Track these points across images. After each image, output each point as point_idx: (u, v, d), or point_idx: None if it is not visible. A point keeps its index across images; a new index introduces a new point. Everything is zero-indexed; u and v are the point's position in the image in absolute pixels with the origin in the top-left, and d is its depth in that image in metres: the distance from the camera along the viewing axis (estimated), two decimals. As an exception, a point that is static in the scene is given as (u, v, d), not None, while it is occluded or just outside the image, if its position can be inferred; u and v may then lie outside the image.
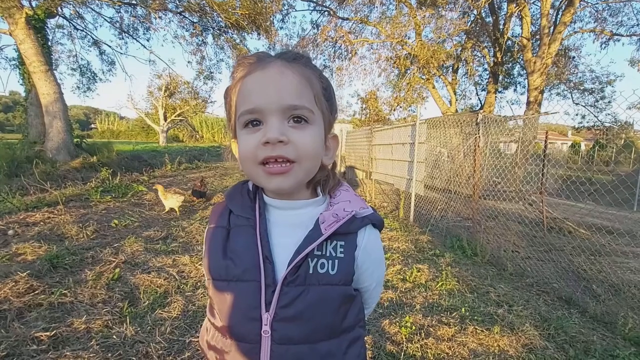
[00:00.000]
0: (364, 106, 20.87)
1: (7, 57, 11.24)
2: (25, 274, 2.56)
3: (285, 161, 0.56)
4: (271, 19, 13.60)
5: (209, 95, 25.67)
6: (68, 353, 1.82)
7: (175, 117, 28.29)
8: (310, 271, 0.59)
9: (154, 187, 5.54)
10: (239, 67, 0.60)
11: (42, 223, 4.10)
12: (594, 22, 13.69)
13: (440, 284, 3.06)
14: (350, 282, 0.63)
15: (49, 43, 9.75)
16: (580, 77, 14.98)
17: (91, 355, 1.82)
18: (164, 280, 2.79)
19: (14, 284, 2.43)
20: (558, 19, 11.60)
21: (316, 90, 0.59)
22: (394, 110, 17.04)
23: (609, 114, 14.83)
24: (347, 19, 15.11)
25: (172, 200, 5.13)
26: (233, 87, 0.60)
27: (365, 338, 0.68)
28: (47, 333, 1.97)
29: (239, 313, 0.61)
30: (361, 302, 0.70)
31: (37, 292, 2.41)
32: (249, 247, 0.61)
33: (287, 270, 0.58)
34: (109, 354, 1.86)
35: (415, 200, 5.76)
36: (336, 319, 0.63)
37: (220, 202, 0.72)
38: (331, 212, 0.62)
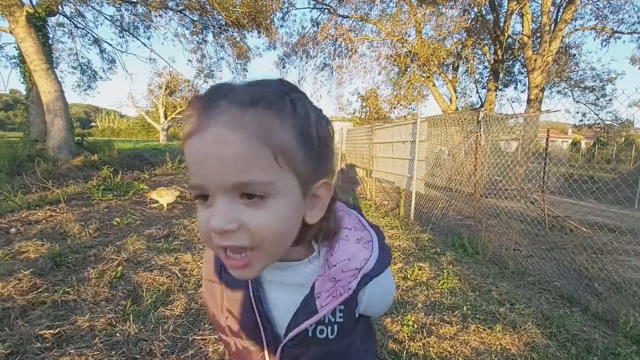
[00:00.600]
0: (364, 104, 20.89)
1: (7, 55, 11.26)
2: (28, 272, 2.57)
3: (241, 249, 0.45)
4: (271, 17, 13.60)
5: (210, 94, 25.60)
6: (72, 351, 1.83)
7: (176, 115, 28.29)
8: (310, 335, 0.58)
9: (149, 199, 5.57)
10: (185, 117, 0.47)
11: (44, 221, 4.11)
12: (595, 20, 13.70)
13: (441, 282, 3.06)
14: (353, 332, 0.62)
15: (50, 41, 9.75)
16: (581, 75, 14.99)
17: (95, 353, 1.83)
18: (167, 278, 2.79)
19: (17, 282, 2.44)
20: (559, 17, 11.58)
21: (281, 146, 0.44)
22: (394, 108, 17.05)
23: (609, 112, 14.83)
24: (347, 16, 15.10)
25: (168, 197, 5.26)
26: (183, 145, 0.48)
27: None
28: (51, 331, 1.97)
29: None
30: (366, 325, 0.68)
31: (40, 290, 2.42)
32: (245, 310, 0.59)
33: (285, 340, 0.58)
34: (113, 352, 1.87)
35: (415, 198, 5.76)
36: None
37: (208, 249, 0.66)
38: (328, 277, 0.56)
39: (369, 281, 0.57)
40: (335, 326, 0.58)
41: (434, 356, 2.03)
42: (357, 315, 0.61)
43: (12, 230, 3.69)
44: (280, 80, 0.48)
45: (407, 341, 2.15)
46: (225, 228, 0.43)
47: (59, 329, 2.00)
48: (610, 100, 14.56)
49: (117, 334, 2.03)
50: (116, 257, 3.10)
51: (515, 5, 11.39)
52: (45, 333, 1.95)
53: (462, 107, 17.54)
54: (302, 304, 0.57)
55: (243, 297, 0.59)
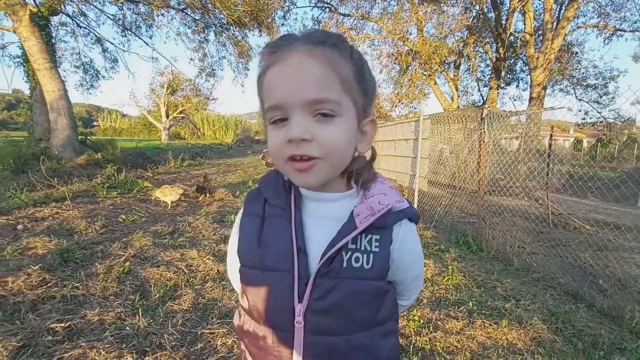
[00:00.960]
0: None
1: (10, 55, 11.28)
2: (37, 267, 2.59)
3: (309, 158, 0.54)
4: (273, 15, 13.58)
5: (211, 93, 25.70)
6: (83, 344, 1.85)
7: (177, 114, 28.32)
8: (344, 264, 0.59)
9: (153, 198, 5.59)
10: (263, 56, 0.58)
11: (50, 218, 4.14)
12: (597, 18, 13.63)
13: (446, 278, 3.08)
14: (384, 277, 0.63)
15: (53, 40, 9.77)
16: (583, 73, 14.93)
17: (106, 345, 1.85)
18: (174, 273, 2.81)
19: (26, 277, 2.46)
20: (561, 14, 11.54)
21: (344, 76, 0.54)
22: (396, 106, 17.02)
23: (612, 110, 14.78)
24: (348, 15, 15.07)
25: (172, 195, 5.31)
26: (258, 80, 0.58)
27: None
28: (62, 324, 1.99)
29: (272, 302, 0.61)
30: (394, 296, 0.69)
31: (49, 285, 2.45)
32: (283, 238, 0.60)
33: (320, 262, 0.58)
34: (124, 345, 1.89)
35: (418, 196, 5.77)
36: (370, 312, 0.63)
37: (253, 189, 0.70)
38: (366, 205, 0.61)
39: (402, 217, 0.62)
40: (371, 255, 0.60)
41: (440, 351, 2.05)
42: (390, 255, 0.62)
43: (20, 226, 3.72)
44: (338, 33, 0.60)
45: (413, 336, 2.17)
46: (303, 136, 0.52)
47: (69, 323, 2.02)
48: (612, 98, 14.52)
49: (127, 328, 2.05)
50: (123, 253, 3.12)
51: (517, 3, 11.35)
52: (56, 326, 1.98)
53: (463, 106, 17.51)
54: (342, 228, 0.59)
55: (283, 227, 0.61)
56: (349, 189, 0.65)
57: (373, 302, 0.62)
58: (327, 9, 15.30)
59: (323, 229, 0.61)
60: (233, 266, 0.71)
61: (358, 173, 0.64)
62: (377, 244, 0.60)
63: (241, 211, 0.69)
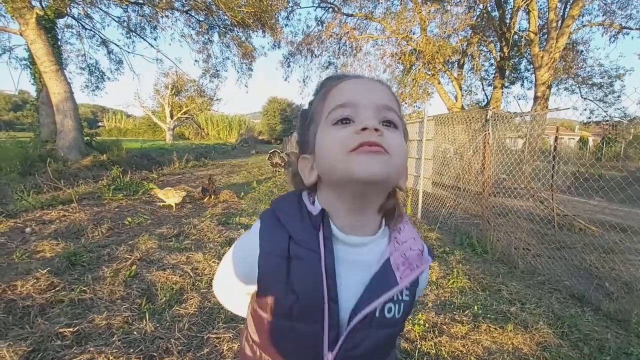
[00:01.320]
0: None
1: (17, 57, 11.40)
2: (45, 271, 2.62)
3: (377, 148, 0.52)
4: (276, 16, 13.61)
5: (215, 93, 25.80)
6: (91, 348, 1.87)
7: (182, 114, 28.44)
8: (377, 315, 0.57)
9: (151, 192, 5.72)
10: (328, 81, 0.62)
11: (58, 221, 4.18)
12: (603, 16, 13.51)
13: (451, 281, 3.08)
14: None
15: (59, 43, 9.86)
16: (588, 72, 14.81)
17: (114, 350, 1.87)
18: (179, 277, 2.83)
19: (35, 280, 2.49)
20: (566, 13, 11.47)
21: (399, 110, 0.60)
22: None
23: (618, 109, 14.65)
24: (351, 15, 15.05)
25: (174, 197, 5.37)
26: (321, 96, 0.60)
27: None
28: (70, 329, 2.02)
29: (298, 351, 0.59)
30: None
31: (57, 288, 2.47)
32: (314, 286, 0.55)
33: (357, 319, 0.56)
34: (131, 350, 1.91)
35: (422, 197, 5.76)
36: (388, 352, 0.65)
37: (267, 215, 0.63)
38: (400, 252, 0.60)
39: (429, 262, 0.63)
40: (402, 304, 0.60)
41: (446, 355, 2.05)
42: (415, 297, 0.63)
43: (28, 229, 3.76)
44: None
45: (418, 340, 2.17)
46: (378, 126, 0.53)
47: (77, 327, 2.05)
48: (618, 96, 14.40)
49: (134, 332, 2.07)
50: (129, 257, 3.15)
51: (521, 1, 11.28)
52: (65, 331, 2.00)
53: (467, 105, 17.43)
54: (376, 278, 0.57)
55: (313, 273, 0.55)
56: (378, 228, 0.62)
57: (393, 343, 0.65)
58: (331, 9, 15.30)
59: (354, 274, 0.58)
60: (229, 293, 0.70)
61: (390, 210, 0.61)
62: (407, 292, 0.61)
63: (247, 235, 0.63)
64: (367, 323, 0.57)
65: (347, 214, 0.58)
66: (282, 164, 9.27)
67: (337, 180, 0.55)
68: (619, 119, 15.10)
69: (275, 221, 0.60)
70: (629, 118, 14.85)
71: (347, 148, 0.52)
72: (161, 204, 5.50)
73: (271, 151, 9.60)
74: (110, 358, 1.81)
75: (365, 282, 0.57)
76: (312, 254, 0.56)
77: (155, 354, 1.90)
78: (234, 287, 0.66)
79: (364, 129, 0.52)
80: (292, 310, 0.56)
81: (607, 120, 15.29)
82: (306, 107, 0.65)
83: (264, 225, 0.61)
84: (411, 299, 0.62)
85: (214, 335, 2.11)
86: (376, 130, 0.52)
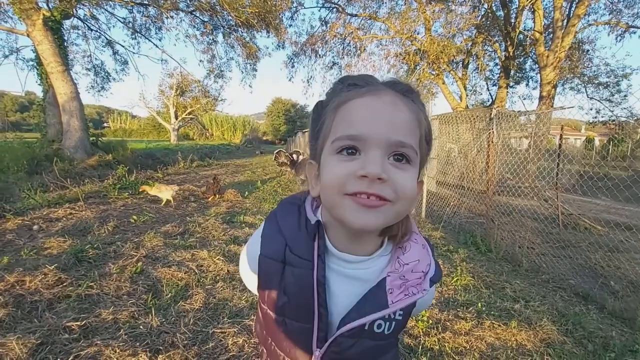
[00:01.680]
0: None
1: (24, 58, 11.54)
2: (53, 267, 2.66)
3: (380, 199, 0.49)
4: (280, 16, 13.66)
5: (219, 94, 25.95)
6: (99, 342, 1.90)
7: (186, 115, 28.61)
8: (366, 328, 0.58)
9: (140, 190, 5.75)
10: (343, 87, 0.55)
11: (64, 219, 4.23)
12: (609, 14, 13.39)
13: (455, 279, 3.08)
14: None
15: (65, 44, 9.97)
16: (594, 71, 14.68)
17: (120, 344, 1.90)
18: (185, 273, 2.86)
19: (43, 276, 2.53)
20: (571, 12, 11.40)
21: (422, 131, 0.54)
22: (404, 106, 16.93)
23: (624, 108, 14.51)
24: (355, 15, 15.06)
25: (167, 192, 5.46)
26: (333, 107, 0.54)
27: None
28: (78, 323, 2.05)
29: (292, 343, 0.63)
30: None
31: (65, 284, 2.51)
32: (305, 293, 0.58)
33: (342, 330, 0.57)
34: (137, 343, 1.94)
35: (427, 196, 5.76)
36: (383, 356, 0.65)
37: (270, 219, 0.64)
38: (399, 274, 0.58)
39: (430, 286, 0.60)
40: (393, 323, 0.60)
41: (449, 351, 2.05)
42: (410, 316, 0.64)
43: (35, 227, 3.82)
44: (415, 87, 0.57)
45: (422, 336, 2.18)
46: (381, 175, 0.48)
47: (84, 321, 2.08)
48: (625, 96, 14.26)
49: (140, 327, 2.10)
50: (135, 253, 3.18)
51: (527, 1, 11.23)
52: (72, 325, 2.03)
53: (472, 105, 17.37)
54: (368, 296, 0.57)
55: (305, 280, 0.57)
56: (379, 247, 0.61)
57: (387, 350, 0.64)
58: (335, 9, 15.32)
59: (347, 286, 0.59)
60: (248, 280, 0.72)
61: (392, 228, 0.58)
62: (401, 312, 0.60)
63: (255, 235, 0.67)
64: (356, 333, 0.58)
65: (343, 236, 0.58)
66: (288, 163, 9.30)
67: (333, 215, 0.55)
68: (625, 119, 14.96)
69: (276, 226, 0.62)
70: (635, 118, 14.71)
71: (343, 189, 0.50)
72: (151, 195, 5.58)
73: (276, 151, 9.63)
74: (117, 351, 1.83)
75: (359, 294, 0.58)
76: (304, 262, 0.58)
77: (161, 348, 1.92)
78: (248, 276, 0.71)
79: (365, 175, 0.48)
80: (284, 308, 0.60)
81: (614, 120, 15.15)
82: (323, 98, 0.61)
83: (266, 229, 0.64)
84: (405, 318, 0.61)
85: (218, 330, 2.13)
86: (380, 179, 0.48)
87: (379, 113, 0.50)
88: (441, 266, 2.45)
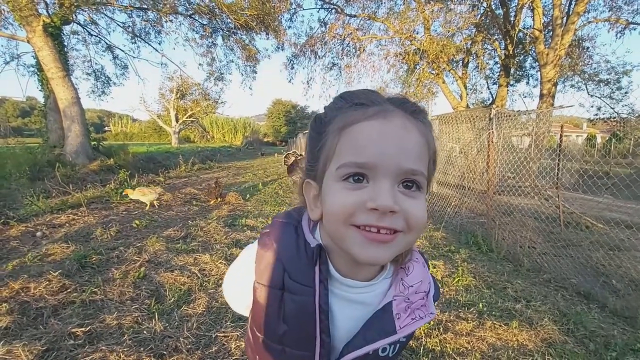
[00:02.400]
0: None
1: (25, 64, 11.62)
2: (57, 273, 2.69)
3: (394, 232, 0.47)
4: (279, 18, 13.69)
5: (219, 96, 26.02)
6: (103, 347, 1.92)
7: (187, 118, 28.69)
8: (370, 353, 0.56)
9: (124, 194, 5.73)
10: (346, 105, 0.52)
11: (67, 224, 4.27)
12: (609, 11, 13.34)
13: (456, 280, 3.09)
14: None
15: (65, 49, 10.02)
16: (595, 68, 14.63)
17: (125, 349, 1.92)
18: (187, 278, 2.88)
19: (47, 282, 2.56)
20: (571, 9, 11.37)
21: (430, 153, 0.52)
22: (404, 106, 16.94)
23: (625, 105, 14.47)
24: (354, 15, 15.08)
25: (150, 195, 5.46)
26: (337, 128, 0.50)
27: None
28: (82, 329, 2.07)
29: None
30: None
31: (69, 290, 2.54)
32: (307, 320, 0.55)
33: (347, 358, 0.56)
34: (142, 348, 1.96)
35: (428, 197, 5.76)
36: None
37: (264, 239, 0.60)
38: (404, 297, 0.56)
39: (433, 315, 0.59)
40: (398, 345, 0.58)
41: (450, 352, 2.06)
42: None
43: (39, 233, 3.85)
44: (420, 105, 0.55)
45: (423, 337, 2.19)
46: (394, 208, 0.45)
47: (89, 327, 2.10)
48: (626, 93, 14.22)
49: (144, 332, 2.12)
50: (138, 258, 3.21)
51: (526, -1, 11.23)
52: (77, 331, 2.06)
53: (472, 104, 17.35)
54: (374, 321, 0.55)
55: (306, 307, 0.55)
56: (380, 271, 0.59)
57: None
58: (334, 10, 15.35)
59: (349, 310, 0.57)
60: (236, 300, 0.69)
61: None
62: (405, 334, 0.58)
63: (246, 255, 0.63)
64: (360, 358, 0.56)
65: (345, 262, 0.56)
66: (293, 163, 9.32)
67: (337, 245, 0.52)
68: (626, 116, 14.91)
69: (271, 249, 0.58)
70: (637, 114, 14.66)
71: (351, 220, 0.47)
72: (133, 198, 5.51)
73: (285, 154, 9.62)
74: (122, 356, 1.85)
75: (362, 318, 0.56)
76: (305, 289, 0.54)
77: (165, 352, 1.94)
78: (234, 301, 0.69)
79: (376, 208, 0.45)
80: (284, 337, 0.57)
81: (615, 118, 15.11)
82: (321, 111, 0.57)
83: (260, 251, 0.59)
84: (409, 339, 0.60)
85: (222, 334, 2.15)
86: (392, 211, 0.46)
87: (389, 139, 0.47)
88: (442, 267, 2.45)
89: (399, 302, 0.56)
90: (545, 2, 12.78)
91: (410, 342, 2.14)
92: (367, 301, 0.56)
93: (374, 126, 0.48)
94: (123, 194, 5.74)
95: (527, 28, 13.32)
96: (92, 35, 12.67)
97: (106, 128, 50.86)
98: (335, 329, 0.56)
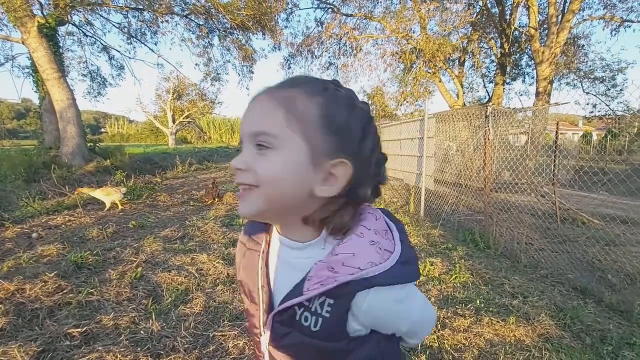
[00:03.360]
0: (370, 102, 20.84)
1: (20, 66, 11.53)
2: (52, 274, 2.67)
3: (246, 187, 0.55)
4: (276, 18, 13.67)
5: (216, 97, 25.97)
6: (100, 348, 1.91)
7: (184, 119, 28.59)
8: (297, 318, 0.58)
9: (76, 193, 5.42)
10: None
11: (63, 226, 4.24)
12: (604, 9, 13.42)
13: (454, 276, 3.09)
14: (342, 339, 0.57)
15: (60, 50, 9.96)
16: (590, 66, 14.70)
17: (122, 349, 1.91)
18: (184, 278, 2.88)
19: (43, 284, 2.54)
20: (566, 7, 11.41)
21: (295, 112, 0.52)
22: (401, 105, 17.02)
23: (620, 102, 14.56)
24: (351, 15, 15.08)
25: (114, 195, 5.29)
26: None
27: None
28: (79, 329, 2.06)
29: (250, 323, 0.69)
30: (374, 351, 0.61)
31: (65, 291, 2.52)
32: (254, 272, 0.65)
33: (274, 311, 0.60)
34: (139, 348, 1.95)
35: (425, 194, 5.77)
36: None
37: None
38: (326, 264, 0.55)
39: (368, 286, 0.53)
40: (320, 319, 0.56)
41: (448, 348, 2.07)
42: (347, 320, 0.56)
43: (34, 235, 3.83)
44: (334, 80, 0.59)
45: (421, 334, 2.19)
46: (237, 166, 0.55)
47: (85, 328, 2.09)
48: (621, 90, 14.30)
49: (141, 332, 2.11)
50: (135, 259, 3.19)
51: (521, -3, 11.27)
52: (73, 331, 2.04)
53: (469, 102, 17.41)
54: (299, 283, 0.57)
55: (255, 262, 0.66)
56: (316, 237, 0.59)
57: (326, 357, 0.60)
58: (330, 10, 15.33)
59: (290, 274, 0.60)
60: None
61: (328, 218, 0.57)
62: (328, 308, 0.55)
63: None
64: (289, 322, 0.59)
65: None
66: None
67: None
68: (622, 113, 15.00)
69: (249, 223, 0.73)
70: (632, 112, 14.75)
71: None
72: (107, 203, 5.23)
73: None
74: (119, 356, 1.85)
75: (293, 284, 0.59)
76: (257, 245, 0.67)
77: (162, 352, 1.94)
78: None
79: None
80: (244, 287, 0.69)
81: (610, 115, 15.20)
82: None
83: (243, 228, 0.75)
84: (335, 319, 0.56)
85: (219, 333, 2.14)
86: (239, 169, 0.55)
87: (244, 115, 0.57)
88: (440, 264, 2.45)
89: (319, 268, 0.55)
90: (540, 0, 12.85)
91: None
92: (305, 269, 0.58)
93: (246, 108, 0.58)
94: (76, 193, 5.41)
95: (523, 26, 13.35)
96: (87, 36, 12.60)
97: (102, 129, 50.56)
98: (276, 287, 0.63)
